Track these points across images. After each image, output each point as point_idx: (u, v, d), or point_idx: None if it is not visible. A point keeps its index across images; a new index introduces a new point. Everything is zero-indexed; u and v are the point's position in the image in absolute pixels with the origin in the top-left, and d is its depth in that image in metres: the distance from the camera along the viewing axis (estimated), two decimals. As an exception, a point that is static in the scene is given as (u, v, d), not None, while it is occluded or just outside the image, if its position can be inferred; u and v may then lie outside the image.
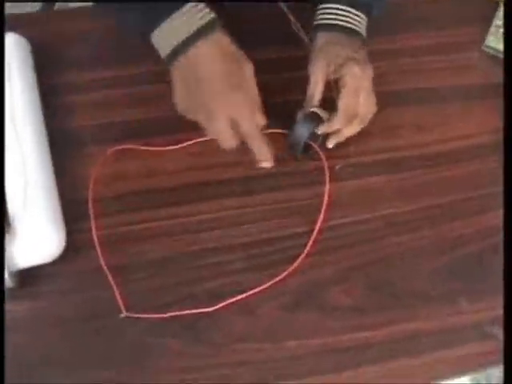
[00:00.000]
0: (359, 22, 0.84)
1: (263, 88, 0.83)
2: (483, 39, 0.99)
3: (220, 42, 0.73)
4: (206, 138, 0.83)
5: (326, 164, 0.83)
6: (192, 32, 0.72)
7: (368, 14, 0.85)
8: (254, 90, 0.75)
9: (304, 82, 0.84)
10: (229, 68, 0.73)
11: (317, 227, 0.78)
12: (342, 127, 0.83)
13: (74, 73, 0.89)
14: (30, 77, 0.85)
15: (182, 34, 0.72)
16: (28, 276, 0.72)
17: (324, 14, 0.85)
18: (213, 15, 0.73)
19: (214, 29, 0.73)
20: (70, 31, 0.94)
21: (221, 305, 0.72)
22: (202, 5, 0.73)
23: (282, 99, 0.88)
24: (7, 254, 0.69)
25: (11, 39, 0.86)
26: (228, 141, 0.74)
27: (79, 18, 0.97)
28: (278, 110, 0.87)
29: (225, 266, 0.75)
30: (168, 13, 0.72)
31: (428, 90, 0.94)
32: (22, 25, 0.92)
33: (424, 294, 0.76)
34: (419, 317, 0.74)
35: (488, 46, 0.99)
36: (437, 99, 0.93)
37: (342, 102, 0.81)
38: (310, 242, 0.77)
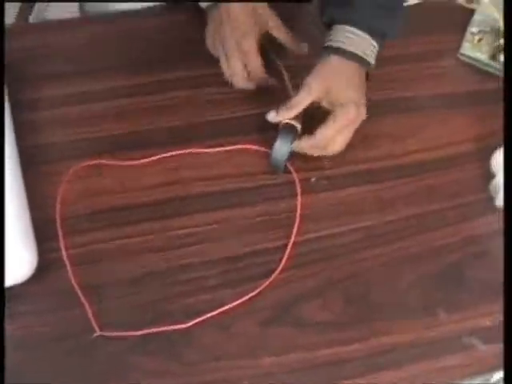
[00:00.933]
0: (374, 52, 0.84)
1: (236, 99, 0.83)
2: (459, 47, 0.99)
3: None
4: (179, 152, 0.83)
5: (296, 176, 0.83)
6: None
7: (380, 44, 0.85)
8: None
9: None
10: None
11: (291, 241, 0.77)
12: (307, 150, 0.83)
13: (42, 88, 0.88)
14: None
15: None
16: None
17: (343, 37, 0.83)
18: None
19: None
20: (39, 45, 0.93)
21: (196, 321, 0.71)
22: None
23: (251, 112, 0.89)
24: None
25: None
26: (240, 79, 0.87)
27: (49, 32, 0.96)
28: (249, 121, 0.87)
29: (201, 282, 0.74)
30: None
31: (405, 99, 0.93)
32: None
33: (403, 305, 0.75)
34: (398, 329, 0.73)
35: (463, 54, 0.98)
36: (414, 108, 0.92)
37: (322, 133, 0.81)
38: (285, 257, 0.76)
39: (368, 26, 0.83)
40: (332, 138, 0.81)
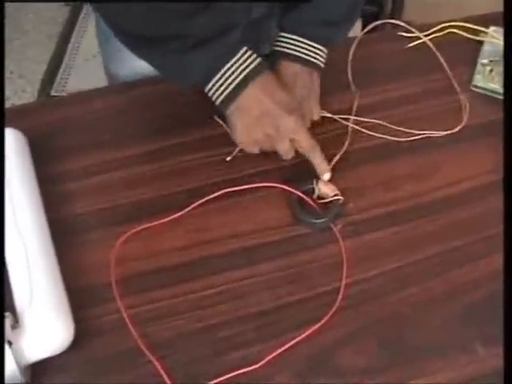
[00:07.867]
0: (320, 55, 0.92)
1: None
2: (470, 80, 1.00)
3: (264, 83, 0.84)
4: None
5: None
6: (239, 80, 0.82)
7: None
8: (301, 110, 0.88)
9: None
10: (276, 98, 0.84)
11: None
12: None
13: (66, 160, 0.91)
14: (28, 169, 0.86)
15: (232, 84, 0.83)
16: (40, 369, 0.72)
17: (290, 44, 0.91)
18: (257, 61, 0.84)
19: (260, 73, 0.84)
20: (62, 119, 0.96)
21: (230, 376, 0.71)
22: (248, 52, 0.84)
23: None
24: (17, 350, 0.69)
25: (8, 134, 0.88)
26: (291, 155, 0.88)
27: (69, 106, 0.99)
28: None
29: (235, 339, 0.75)
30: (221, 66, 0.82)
31: (421, 137, 0.93)
32: (17, 117, 0.94)
33: (439, 345, 0.74)
34: (437, 369, 0.73)
35: (476, 86, 0.99)
36: (431, 146, 0.93)
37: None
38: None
39: (313, 36, 0.91)
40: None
